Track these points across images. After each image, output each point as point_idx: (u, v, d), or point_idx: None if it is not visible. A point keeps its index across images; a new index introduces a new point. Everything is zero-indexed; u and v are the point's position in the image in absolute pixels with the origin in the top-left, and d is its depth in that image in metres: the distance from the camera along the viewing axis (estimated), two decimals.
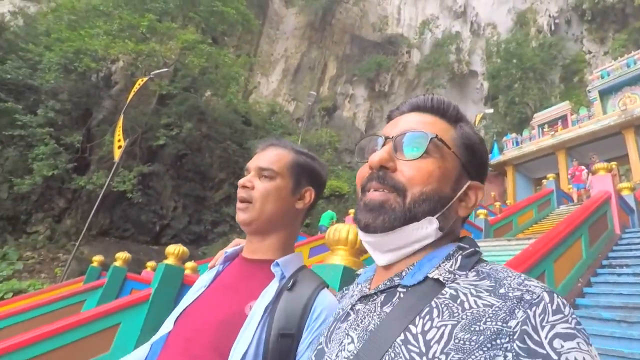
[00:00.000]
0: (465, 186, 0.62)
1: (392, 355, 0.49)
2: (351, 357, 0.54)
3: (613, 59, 18.61)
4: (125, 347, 3.59)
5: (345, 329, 0.60)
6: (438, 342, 0.47)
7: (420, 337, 0.49)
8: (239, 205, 0.95)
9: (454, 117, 0.65)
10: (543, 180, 16.25)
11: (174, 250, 4.13)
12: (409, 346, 0.49)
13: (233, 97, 15.52)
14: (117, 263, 5.85)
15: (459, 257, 0.58)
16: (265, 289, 0.88)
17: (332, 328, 0.65)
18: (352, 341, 0.56)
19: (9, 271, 9.96)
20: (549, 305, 0.45)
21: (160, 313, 3.83)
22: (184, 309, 0.92)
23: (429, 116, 0.65)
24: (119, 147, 8.91)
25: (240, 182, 0.96)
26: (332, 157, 22.94)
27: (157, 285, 3.92)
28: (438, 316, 0.50)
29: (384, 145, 0.63)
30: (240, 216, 0.95)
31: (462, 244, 0.61)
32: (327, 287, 0.93)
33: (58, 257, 11.86)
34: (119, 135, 9.03)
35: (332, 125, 27.06)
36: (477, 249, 0.59)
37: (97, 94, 14.55)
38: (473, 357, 0.44)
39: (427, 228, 0.59)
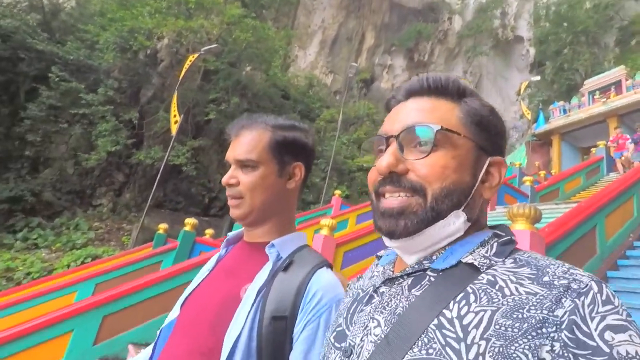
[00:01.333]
0: (486, 165, 0.59)
1: (426, 340, 0.47)
2: (379, 342, 0.52)
3: None
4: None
5: (370, 312, 0.58)
6: (477, 327, 0.45)
7: (456, 321, 0.47)
8: (230, 202, 0.95)
9: (455, 93, 0.61)
10: (592, 149, 15.69)
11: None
12: (444, 331, 0.47)
13: (277, 71, 15.86)
14: (187, 228, 6.54)
15: (495, 244, 0.56)
16: (259, 272, 0.88)
17: (352, 310, 0.63)
18: (379, 324, 0.54)
19: (83, 239, 11.25)
20: (598, 295, 0.43)
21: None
22: (189, 294, 0.93)
23: (428, 100, 0.61)
24: (175, 122, 9.61)
25: (224, 181, 0.94)
26: (371, 129, 22.97)
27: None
28: (475, 301, 0.48)
29: (387, 144, 0.60)
30: (235, 212, 0.94)
31: (497, 231, 0.58)
32: (328, 266, 0.91)
33: (122, 227, 13.12)
34: (174, 110, 9.70)
35: (370, 97, 26.89)
36: (512, 237, 0.57)
37: (146, 72, 15.35)
38: (516, 344, 0.42)
39: (455, 223, 0.56)
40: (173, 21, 12.32)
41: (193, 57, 10.51)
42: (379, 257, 0.71)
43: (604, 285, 0.45)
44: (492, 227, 0.61)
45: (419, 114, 0.59)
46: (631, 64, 20.13)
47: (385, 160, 0.57)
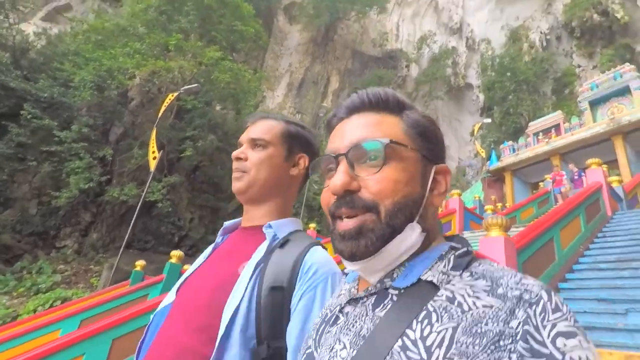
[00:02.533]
0: (432, 174, 0.60)
1: None
2: None
3: (601, 72, 19.96)
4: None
5: (336, 333, 0.58)
6: (439, 346, 0.45)
7: (420, 342, 0.47)
8: (234, 174, 0.98)
9: (396, 107, 0.62)
10: (540, 183, 17.43)
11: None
12: (409, 352, 0.47)
13: (251, 111, 16.53)
14: (173, 260, 6.76)
15: (452, 257, 0.56)
16: (257, 250, 0.90)
17: (320, 331, 0.63)
18: (345, 347, 0.54)
19: (49, 283, 10.56)
20: (548, 303, 0.45)
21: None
22: (185, 279, 0.95)
23: (371, 115, 0.61)
24: (154, 157, 9.72)
25: (234, 154, 0.98)
26: None
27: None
28: (437, 320, 0.48)
29: (337, 163, 0.59)
30: (236, 185, 0.97)
31: (454, 244, 0.59)
32: (322, 246, 0.93)
33: (90, 268, 12.51)
34: (153, 146, 9.84)
35: None
36: (469, 248, 0.58)
37: (117, 110, 15.39)
38: None
39: (412, 236, 0.56)
40: (153, 62, 12.71)
41: (172, 95, 10.87)
42: (346, 275, 0.70)
43: (552, 294, 0.47)
44: (448, 238, 0.63)
45: (365, 129, 0.59)
46: (566, 110, 22.82)
47: (339, 180, 0.56)
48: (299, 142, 1.04)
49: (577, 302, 4.36)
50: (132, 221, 9.36)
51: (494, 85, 29.93)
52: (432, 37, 36.05)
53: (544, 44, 31.41)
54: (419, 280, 0.54)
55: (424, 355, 0.46)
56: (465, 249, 0.58)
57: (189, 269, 0.99)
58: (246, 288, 0.82)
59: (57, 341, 3.34)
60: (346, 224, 0.56)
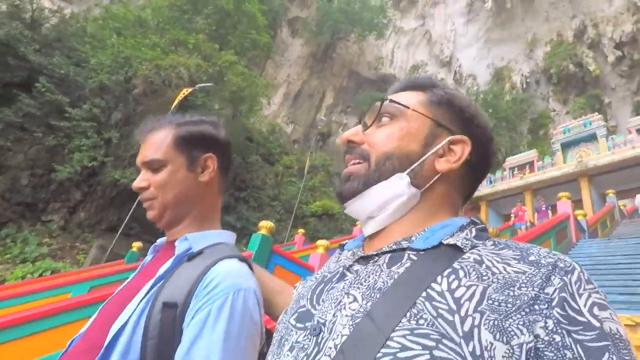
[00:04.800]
0: (445, 141, 0.60)
1: (415, 311, 0.44)
2: (358, 315, 0.47)
3: (573, 118, 22.00)
4: None
5: (344, 288, 0.53)
6: (469, 300, 0.43)
7: (447, 294, 0.45)
8: (145, 205, 0.92)
9: (427, 85, 0.66)
10: (511, 215, 18.85)
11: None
12: (435, 303, 0.44)
13: (255, 114, 17.16)
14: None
15: (474, 229, 0.55)
16: (164, 264, 0.84)
17: (317, 290, 0.57)
18: (355, 299, 0.49)
19: (36, 253, 10.73)
20: (582, 274, 0.45)
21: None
22: (106, 302, 0.87)
23: (405, 93, 0.66)
24: None
25: (134, 185, 0.91)
26: (325, 179, 24.68)
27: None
28: (465, 276, 0.46)
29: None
30: (150, 215, 0.92)
31: (474, 219, 0.59)
32: (242, 260, 0.84)
33: (76, 245, 12.60)
34: None
35: (326, 150, 29.05)
36: (485, 226, 0.58)
37: (122, 95, 15.66)
38: (511, 320, 0.42)
39: (398, 185, 0.57)
40: (173, 56, 13.25)
41: (187, 90, 11.42)
42: (342, 246, 0.68)
43: (582, 268, 0.47)
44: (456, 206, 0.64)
45: (396, 96, 0.65)
46: (539, 149, 24.70)
47: (346, 132, 0.64)
48: (200, 143, 0.94)
49: None
50: (134, 206, 9.63)
51: None
52: (424, 66, 38.05)
53: (524, 85, 33.94)
54: (440, 244, 0.52)
55: (453, 306, 0.43)
56: (483, 225, 0.58)
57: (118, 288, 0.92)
58: (137, 306, 0.75)
59: (71, 300, 3.68)
60: (346, 169, 0.62)
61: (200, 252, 0.83)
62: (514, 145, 29.35)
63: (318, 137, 29.14)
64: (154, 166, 0.90)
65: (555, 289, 0.43)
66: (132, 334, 0.72)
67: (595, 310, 0.43)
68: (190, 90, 11.43)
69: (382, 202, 0.58)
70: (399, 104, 0.62)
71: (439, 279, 0.47)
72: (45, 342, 3.12)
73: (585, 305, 0.43)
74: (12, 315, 3.37)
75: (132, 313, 0.74)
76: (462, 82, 38.05)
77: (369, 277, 0.53)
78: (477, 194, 21.67)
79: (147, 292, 0.77)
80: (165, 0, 14.76)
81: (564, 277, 0.44)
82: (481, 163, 0.63)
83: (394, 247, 0.55)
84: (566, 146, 19.21)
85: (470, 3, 37.00)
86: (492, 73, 36.44)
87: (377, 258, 0.56)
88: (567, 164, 18.27)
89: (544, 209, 13.82)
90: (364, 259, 0.57)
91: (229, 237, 0.94)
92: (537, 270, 0.45)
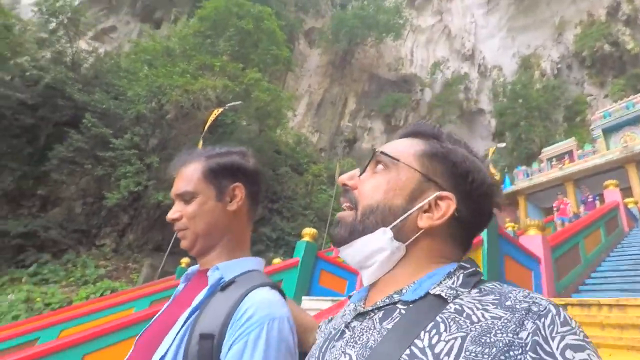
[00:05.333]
0: (431, 197, 0.60)
1: None
2: None
3: (613, 102, 20.86)
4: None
5: (342, 346, 0.57)
6: (448, 354, 0.45)
7: (428, 350, 0.47)
8: (178, 235, 0.98)
9: (429, 135, 0.67)
10: (554, 209, 18.11)
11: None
12: None
13: (281, 127, 17.57)
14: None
15: (461, 276, 0.57)
16: (198, 294, 0.87)
17: (323, 348, 0.62)
18: (351, 358, 0.53)
19: (95, 275, 11.67)
20: (556, 317, 0.46)
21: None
22: (143, 331, 0.92)
23: (406, 140, 0.68)
24: None
25: (168, 217, 0.97)
26: None
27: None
28: (445, 330, 0.48)
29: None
30: (183, 244, 0.97)
31: (463, 264, 0.60)
32: (274, 287, 0.88)
33: (128, 265, 13.46)
34: None
35: (353, 156, 29.12)
36: (477, 269, 0.59)
37: (157, 122, 16.51)
38: None
39: (380, 239, 0.59)
40: (201, 80, 13.90)
41: (217, 111, 11.91)
42: (350, 297, 0.71)
43: (560, 309, 0.48)
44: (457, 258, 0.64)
45: (389, 147, 0.67)
46: (578, 137, 23.63)
47: (343, 175, 0.67)
48: (228, 174, 0.99)
49: (603, 292, 5.14)
50: (174, 237, 10.18)
51: (506, 111, 30.90)
52: (445, 62, 37.45)
53: (555, 72, 32.56)
54: (427, 294, 0.55)
55: None
56: (474, 269, 0.59)
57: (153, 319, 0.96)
58: (176, 336, 0.79)
59: (133, 315, 4.07)
60: (338, 214, 0.65)
61: (232, 281, 0.86)
62: (549, 135, 28.17)
63: (344, 143, 29.28)
64: (186, 198, 0.95)
65: (529, 333, 0.45)
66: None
67: (568, 353, 0.43)
68: (220, 110, 11.91)
69: (368, 254, 0.61)
70: (388, 156, 0.63)
71: (422, 334, 0.49)
72: (125, 349, 3.54)
73: (557, 348, 0.43)
74: (94, 328, 3.81)
75: (171, 344, 0.78)
76: (486, 74, 37.11)
77: (363, 334, 0.56)
78: (513, 188, 21.21)
79: (184, 323, 0.81)
80: (190, 28, 15.52)
81: (537, 321, 0.45)
82: (475, 219, 0.63)
83: (387, 301, 0.58)
84: (608, 131, 18.25)
85: None
86: (518, 62, 35.27)
87: (372, 314, 0.58)
88: (610, 150, 17.34)
89: (591, 199, 13.20)
90: (362, 315, 0.60)
91: (259, 263, 0.98)
92: (512, 315, 0.47)
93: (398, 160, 0.63)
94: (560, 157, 20.10)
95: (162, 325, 0.86)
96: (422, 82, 36.48)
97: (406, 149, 0.65)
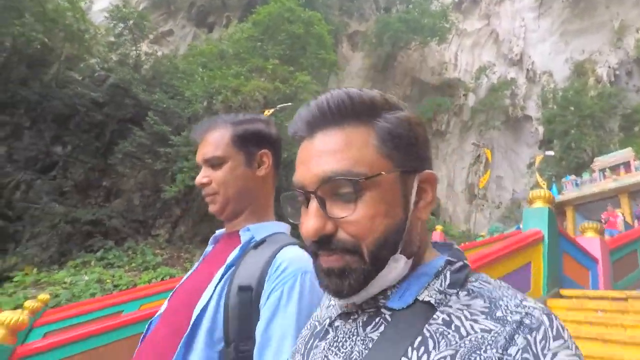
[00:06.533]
0: (415, 186, 0.54)
1: None
2: None
3: None
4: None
5: (324, 349, 0.55)
6: None
7: None
8: (206, 200, 0.99)
9: (366, 112, 0.53)
10: (602, 220, 17.27)
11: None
12: None
13: None
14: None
15: (448, 274, 0.53)
16: (232, 252, 0.92)
17: (309, 345, 0.60)
18: None
19: (154, 262, 12.78)
20: (549, 330, 0.44)
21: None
22: (175, 289, 0.98)
23: (336, 134, 0.52)
24: None
25: (197, 182, 0.99)
26: None
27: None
28: (434, 348, 0.46)
29: (306, 199, 0.53)
30: (212, 208, 0.99)
31: (450, 258, 0.56)
32: (302, 247, 0.90)
33: (181, 255, 14.44)
34: None
35: None
36: (465, 261, 0.56)
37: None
38: None
39: (397, 268, 0.53)
40: (253, 82, 14.66)
41: (269, 111, 12.52)
42: None
43: (554, 318, 0.46)
44: (442, 245, 0.61)
45: (331, 158, 0.51)
46: (636, 148, 22.27)
47: (311, 225, 0.50)
48: (255, 140, 1.01)
49: None
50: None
51: (555, 118, 29.59)
52: (492, 67, 36.40)
53: (612, 78, 30.74)
54: (416, 301, 0.51)
55: None
56: (461, 262, 0.55)
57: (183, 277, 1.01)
58: (214, 289, 0.84)
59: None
60: (329, 261, 0.52)
61: (263, 240, 0.92)
62: (603, 144, 26.68)
63: None
64: (215, 163, 0.97)
65: (519, 350, 0.43)
66: (215, 313, 0.82)
67: None
68: (271, 111, 12.52)
69: (385, 286, 0.54)
70: (371, 177, 0.50)
71: (409, 351, 0.47)
72: None
73: None
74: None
75: (211, 297, 0.83)
76: (535, 80, 35.68)
77: (346, 341, 0.53)
78: (561, 198, 20.43)
79: (221, 278, 0.86)
80: (244, 32, 16.38)
81: (528, 336, 0.44)
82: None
83: (372, 303, 0.54)
84: None
85: None
86: (571, 68, 33.59)
87: (356, 315, 0.56)
88: None
89: (612, 219, 12.55)
90: (346, 315, 0.57)
91: (285, 227, 1.02)
92: (502, 329, 0.45)
93: (381, 173, 0.51)
94: (614, 168, 19.12)
95: (195, 282, 0.93)
96: (466, 86, 35.69)
97: (363, 150, 0.51)
